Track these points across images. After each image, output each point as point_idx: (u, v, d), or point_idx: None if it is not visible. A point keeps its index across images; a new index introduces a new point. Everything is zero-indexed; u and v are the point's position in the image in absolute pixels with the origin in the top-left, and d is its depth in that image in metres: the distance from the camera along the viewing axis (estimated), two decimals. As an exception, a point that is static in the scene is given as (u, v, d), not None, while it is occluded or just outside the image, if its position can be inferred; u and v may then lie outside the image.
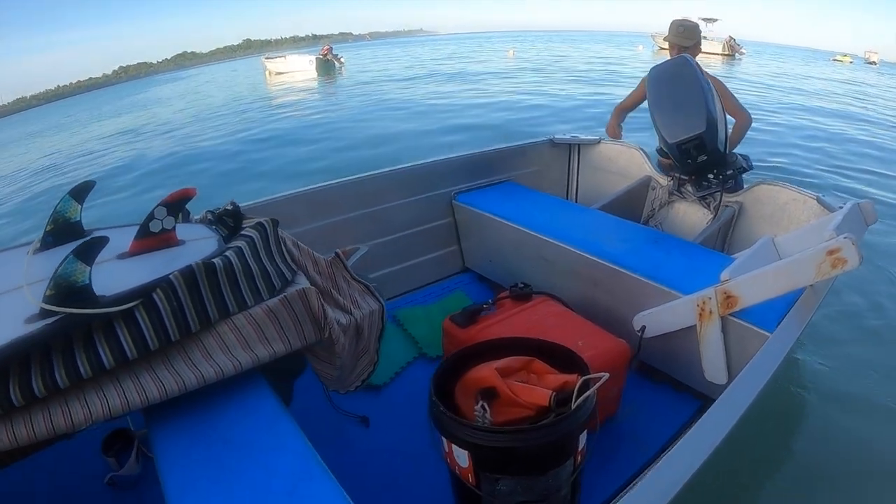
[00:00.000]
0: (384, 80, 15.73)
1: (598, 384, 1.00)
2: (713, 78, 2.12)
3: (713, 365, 1.58)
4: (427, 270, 2.42)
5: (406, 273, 2.35)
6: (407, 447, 1.43)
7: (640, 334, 1.69)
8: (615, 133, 2.54)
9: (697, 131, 1.82)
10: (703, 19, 33.90)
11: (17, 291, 0.94)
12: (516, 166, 2.65)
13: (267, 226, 1.21)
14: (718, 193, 2.23)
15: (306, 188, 2.02)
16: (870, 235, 1.90)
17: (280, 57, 23.93)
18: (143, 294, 0.92)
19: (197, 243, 1.15)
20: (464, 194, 2.42)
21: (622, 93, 2.64)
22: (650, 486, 0.83)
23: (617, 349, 1.51)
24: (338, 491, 0.83)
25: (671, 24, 2.37)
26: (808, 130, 7.68)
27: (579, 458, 1.05)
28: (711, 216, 2.32)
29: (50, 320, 0.86)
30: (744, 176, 2.27)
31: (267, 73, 22.40)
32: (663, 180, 2.51)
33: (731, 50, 29.26)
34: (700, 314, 1.54)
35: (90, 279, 0.89)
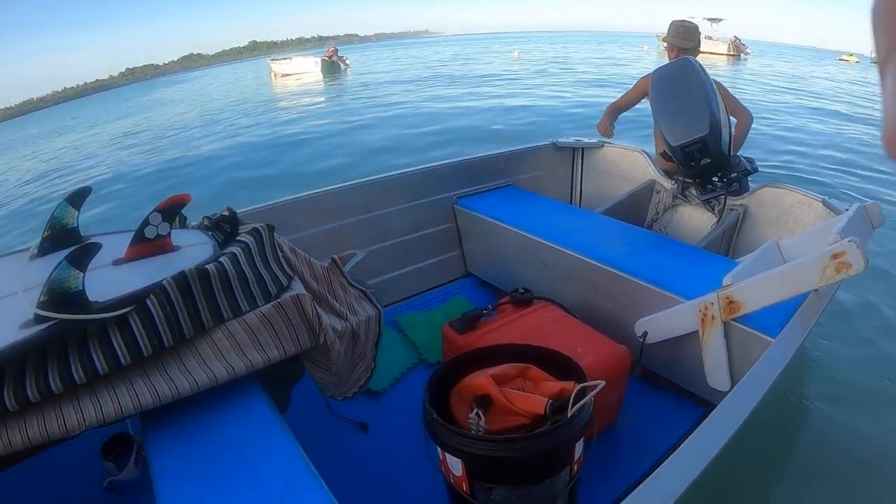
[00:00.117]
0: (389, 83, 15.73)
1: (594, 392, 0.99)
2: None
3: (716, 371, 1.56)
4: (428, 275, 2.41)
5: (407, 278, 2.34)
6: (405, 454, 1.42)
7: (641, 340, 1.67)
8: (607, 131, 2.53)
9: (701, 134, 1.80)
10: (708, 19, 33.75)
11: (14, 297, 0.95)
12: (519, 170, 2.64)
13: (263, 231, 1.21)
14: (723, 197, 2.21)
15: (307, 193, 2.01)
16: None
17: (286, 59, 24.09)
18: (137, 300, 0.92)
19: (192, 249, 1.15)
20: (465, 199, 2.40)
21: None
22: (648, 495, 0.82)
23: (617, 355, 1.49)
24: (328, 498, 0.83)
25: (670, 24, 2.35)
26: (815, 131, 7.61)
27: (576, 467, 1.04)
28: (716, 220, 2.30)
29: (44, 326, 0.86)
30: (748, 178, 2.25)
31: (273, 74, 22.53)
32: (667, 184, 2.49)
33: (737, 50, 29.10)
34: (702, 320, 1.52)
35: (83, 285, 0.89)
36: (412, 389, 1.81)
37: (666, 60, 2.28)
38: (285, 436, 0.95)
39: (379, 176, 2.21)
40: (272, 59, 24.21)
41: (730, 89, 2.25)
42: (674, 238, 2.29)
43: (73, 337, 0.88)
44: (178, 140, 9.74)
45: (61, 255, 0.89)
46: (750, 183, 2.34)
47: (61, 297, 0.87)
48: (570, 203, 2.90)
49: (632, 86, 2.48)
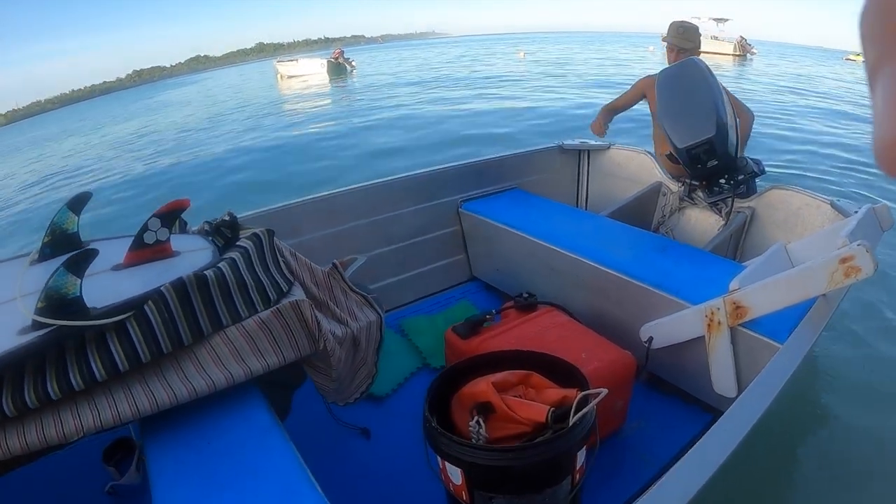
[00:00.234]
0: (396, 85, 15.74)
1: (596, 400, 0.97)
2: None
3: (722, 377, 1.53)
4: (433, 279, 2.39)
5: (412, 282, 2.32)
6: (406, 460, 1.41)
7: (647, 345, 1.65)
8: (600, 131, 2.52)
9: (707, 136, 1.78)
10: (715, 19, 33.53)
11: (13, 303, 0.95)
12: (524, 173, 2.62)
13: (262, 236, 1.20)
14: (730, 199, 2.18)
15: (309, 197, 2.00)
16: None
17: (292, 60, 24.17)
18: (135, 306, 0.92)
19: (192, 254, 1.15)
20: (470, 202, 2.38)
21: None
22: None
23: (622, 361, 1.47)
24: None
25: (670, 25, 2.33)
26: (822, 132, 7.53)
27: (578, 475, 1.02)
28: (723, 222, 2.27)
29: (42, 332, 0.86)
30: (755, 180, 2.22)
31: (279, 76, 22.61)
32: (674, 186, 2.47)
33: (743, 50, 28.90)
34: (708, 325, 1.50)
35: (81, 291, 0.89)
36: (415, 394, 1.79)
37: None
38: (283, 442, 0.95)
39: (382, 179, 2.19)
40: (278, 61, 24.27)
41: (735, 90, 2.23)
42: (681, 241, 2.27)
43: (71, 343, 0.88)
44: (182, 143, 9.79)
45: (61, 260, 0.89)
46: (757, 185, 2.31)
47: (59, 303, 0.87)
48: (577, 205, 2.87)
49: (629, 88, 2.46)
